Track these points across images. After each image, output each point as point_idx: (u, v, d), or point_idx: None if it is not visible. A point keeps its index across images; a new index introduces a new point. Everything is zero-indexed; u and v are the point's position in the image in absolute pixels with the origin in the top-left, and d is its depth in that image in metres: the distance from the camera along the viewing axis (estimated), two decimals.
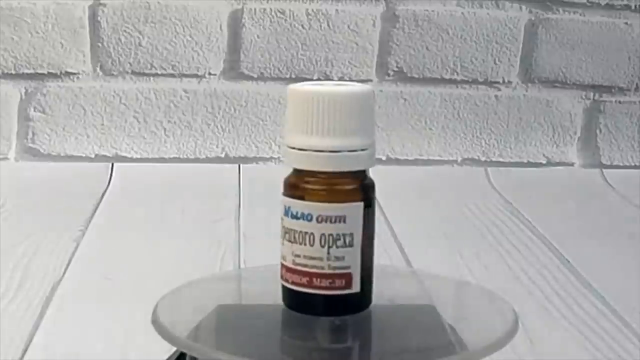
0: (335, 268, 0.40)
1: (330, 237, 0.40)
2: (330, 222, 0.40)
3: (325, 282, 0.40)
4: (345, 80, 0.95)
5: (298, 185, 0.40)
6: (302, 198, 0.40)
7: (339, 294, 0.40)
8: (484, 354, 0.39)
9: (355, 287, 0.40)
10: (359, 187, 0.40)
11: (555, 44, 1.01)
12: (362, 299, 0.41)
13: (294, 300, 0.41)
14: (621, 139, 1.05)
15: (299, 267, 0.40)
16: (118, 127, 0.97)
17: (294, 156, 0.40)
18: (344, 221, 0.40)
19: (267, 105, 0.98)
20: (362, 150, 0.40)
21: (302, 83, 0.41)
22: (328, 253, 0.40)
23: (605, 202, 0.95)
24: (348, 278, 0.40)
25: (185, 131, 0.98)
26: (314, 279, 0.40)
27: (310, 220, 0.40)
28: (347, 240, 0.40)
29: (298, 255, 0.40)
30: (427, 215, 0.87)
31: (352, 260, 0.40)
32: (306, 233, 0.40)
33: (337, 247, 0.40)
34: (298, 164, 0.40)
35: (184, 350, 0.40)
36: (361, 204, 0.40)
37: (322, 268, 0.40)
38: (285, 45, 0.97)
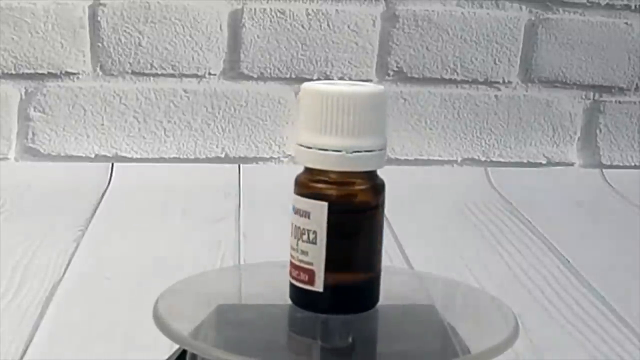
0: (301, 261, 0.41)
1: (299, 230, 0.41)
2: (300, 215, 0.41)
3: (295, 273, 0.41)
4: (345, 80, 0.95)
5: (307, 184, 0.40)
6: (309, 197, 0.40)
7: (303, 288, 0.41)
8: (485, 358, 0.38)
9: (318, 286, 0.40)
10: (369, 188, 0.41)
11: (555, 44, 1.01)
12: (328, 301, 0.41)
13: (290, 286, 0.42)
14: (621, 139, 1.05)
15: (290, 256, 0.42)
16: (118, 127, 0.97)
17: (305, 155, 0.40)
18: (309, 217, 0.40)
19: (267, 105, 0.98)
20: (374, 150, 0.40)
21: (315, 82, 0.41)
22: (297, 244, 0.41)
23: (605, 202, 0.95)
24: (311, 274, 0.41)
25: (185, 131, 0.98)
26: (291, 268, 0.41)
27: (292, 211, 0.41)
28: (310, 237, 0.40)
29: (290, 244, 0.42)
30: (427, 215, 0.87)
31: (315, 258, 0.40)
32: (291, 223, 0.41)
33: (303, 241, 0.41)
34: (309, 162, 0.40)
35: (186, 348, 0.40)
36: (325, 205, 0.40)
37: (294, 258, 0.41)
38: (285, 45, 0.97)
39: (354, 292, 0.41)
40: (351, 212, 0.40)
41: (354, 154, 0.40)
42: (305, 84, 0.41)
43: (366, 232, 0.41)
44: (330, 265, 0.40)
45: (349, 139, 0.39)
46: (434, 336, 0.42)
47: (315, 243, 0.40)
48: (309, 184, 0.40)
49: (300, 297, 0.41)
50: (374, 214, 0.41)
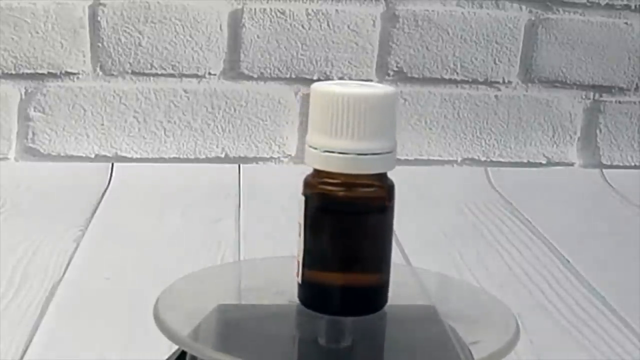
0: (297, 252, 0.41)
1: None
2: (299, 210, 0.41)
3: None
4: (345, 80, 0.95)
5: (315, 185, 0.40)
6: (318, 198, 0.40)
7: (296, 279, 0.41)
8: None
9: (299, 277, 0.41)
10: (378, 190, 0.40)
11: (555, 44, 1.01)
12: (305, 294, 0.41)
13: None
14: (621, 139, 1.05)
15: None
16: (118, 127, 0.97)
17: (313, 156, 0.40)
18: (300, 211, 0.41)
19: (267, 105, 0.98)
20: (383, 153, 0.40)
21: (324, 82, 0.40)
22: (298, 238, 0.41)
23: (605, 202, 0.95)
24: (297, 266, 0.41)
25: (185, 131, 0.98)
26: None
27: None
28: (299, 229, 0.40)
29: None
30: (427, 215, 0.87)
31: (299, 250, 0.41)
32: None
33: (298, 234, 0.41)
34: (317, 164, 0.40)
35: (185, 349, 0.40)
36: (303, 198, 0.40)
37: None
38: (285, 45, 0.97)
39: (359, 294, 0.41)
40: (357, 214, 0.40)
41: (363, 156, 0.39)
42: (315, 85, 0.40)
43: (372, 234, 0.40)
44: (330, 264, 0.40)
45: (358, 141, 0.39)
46: (435, 338, 0.42)
47: (299, 235, 0.41)
48: (318, 185, 0.40)
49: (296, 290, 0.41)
50: (383, 216, 0.41)
